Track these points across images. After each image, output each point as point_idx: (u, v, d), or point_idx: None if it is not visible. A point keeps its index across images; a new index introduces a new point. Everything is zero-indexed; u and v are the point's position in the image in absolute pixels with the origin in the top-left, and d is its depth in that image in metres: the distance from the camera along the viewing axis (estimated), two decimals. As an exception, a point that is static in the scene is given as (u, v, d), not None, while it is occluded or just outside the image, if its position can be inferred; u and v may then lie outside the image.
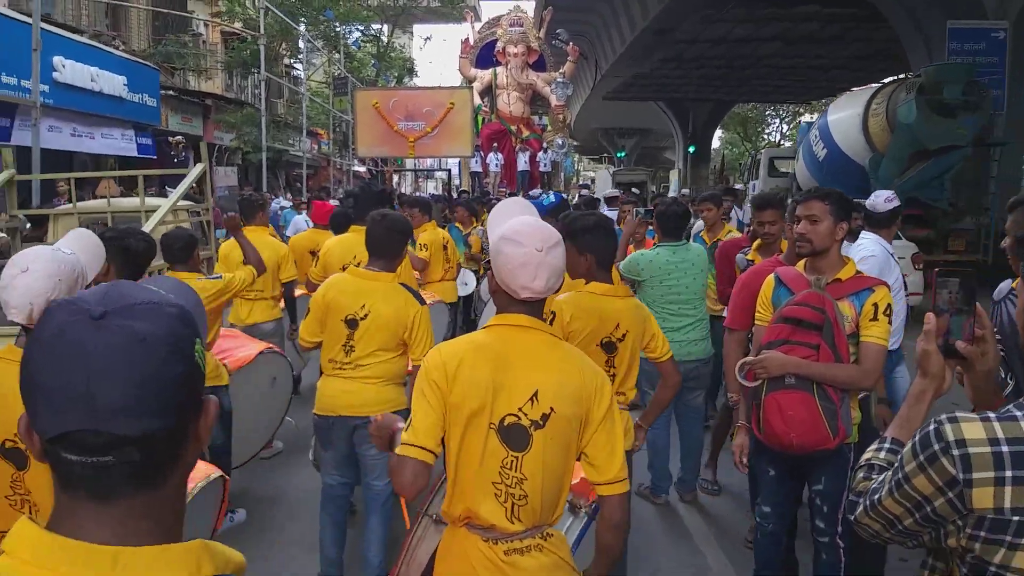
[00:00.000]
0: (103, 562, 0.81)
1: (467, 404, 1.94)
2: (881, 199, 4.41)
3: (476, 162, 21.73)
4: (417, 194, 20.97)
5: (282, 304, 5.76)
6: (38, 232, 6.99)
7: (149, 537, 0.85)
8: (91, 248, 2.59)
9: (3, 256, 6.39)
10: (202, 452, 0.93)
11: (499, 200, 13.04)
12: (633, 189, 21.67)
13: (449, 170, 26.57)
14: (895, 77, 23.12)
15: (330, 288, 3.56)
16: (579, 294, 3.13)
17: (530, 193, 16.98)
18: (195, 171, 6.22)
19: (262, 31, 15.03)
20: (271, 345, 5.07)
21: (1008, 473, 1.28)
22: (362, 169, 31.95)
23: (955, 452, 1.31)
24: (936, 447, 1.33)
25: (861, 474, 1.62)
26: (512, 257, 1.96)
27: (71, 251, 2.23)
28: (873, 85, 18.36)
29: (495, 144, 22.20)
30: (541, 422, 1.94)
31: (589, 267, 3.11)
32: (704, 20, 23.88)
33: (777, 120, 57.81)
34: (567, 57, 23.58)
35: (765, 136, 58.88)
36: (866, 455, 1.67)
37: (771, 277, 3.29)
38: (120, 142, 17.20)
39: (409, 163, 30.22)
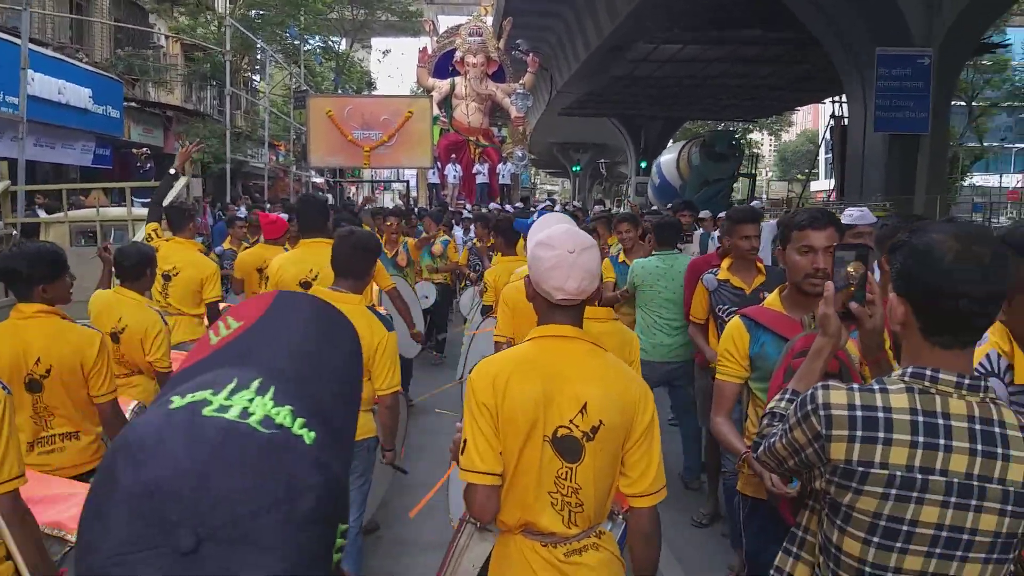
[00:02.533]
0: None
1: (520, 419, 1.96)
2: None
3: (434, 173, 21.51)
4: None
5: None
6: (28, 240, 7.44)
7: None
8: None
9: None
10: None
11: (458, 212, 13.27)
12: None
13: (407, 181, 26.77)
14: (834, 99, 24.50)
15: None
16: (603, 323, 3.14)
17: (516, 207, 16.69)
18: (180, 183, 6.73)
19: (228, 47, 15.48)
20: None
21: (858, 433, 1.54)
22: (320, 180, 32.32)
23: (821, 413, 1.59)
24: (809, 407, 1.62)
25: (766, 421, 1.88)
26: (544, 260, 2.01)
27: None
28: (689, 138, 31.15)
29: (453, 156, 22.09)
30: (591, 434, 1.97)
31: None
32: (653, 40, 24.82)
33: (728, 136, 59.64)
34: (527, 68, 23.53)
35: (716, 151, 60.58)
36: (770, 404, 1.92)
37: (738, 322, 2.77)
38: (79, 153, 17.48)
39: (366, 174, 30.58)
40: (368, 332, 3.31)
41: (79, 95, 16.18)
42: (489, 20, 26.78)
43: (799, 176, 40.84)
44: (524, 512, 2.01)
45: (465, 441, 2.01)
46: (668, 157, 28.83)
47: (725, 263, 4.32)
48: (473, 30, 23.04)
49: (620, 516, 2.33)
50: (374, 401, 3.44)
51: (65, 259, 3.11)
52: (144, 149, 16.13)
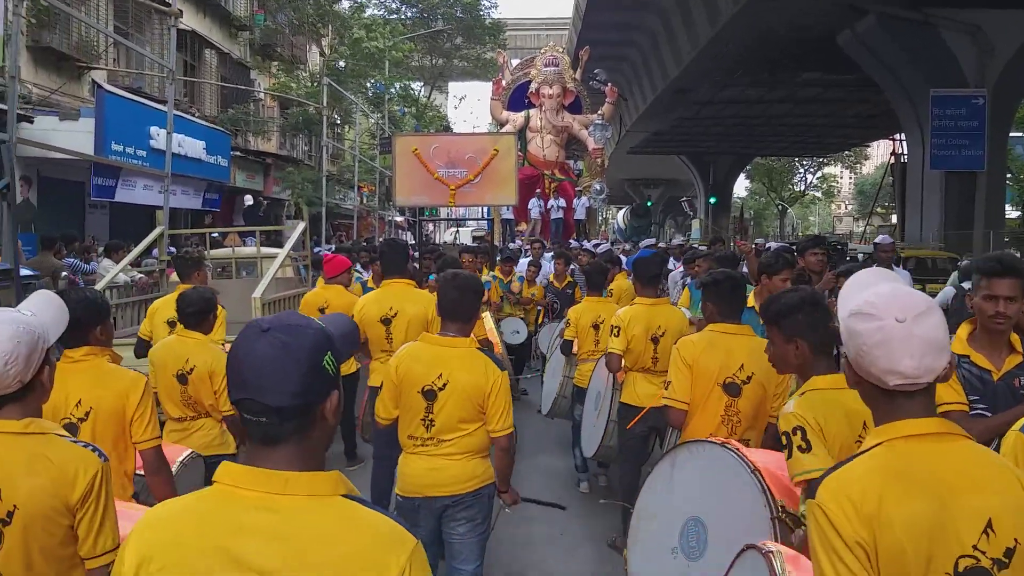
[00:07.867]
0: (278, 481, 1.31)
1: (910, 555, 1.50)
2: None
3: (508, 209, 20.44)
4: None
5: None
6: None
7: (304, 468, 1.34)
8: (55, 310, 2.50)
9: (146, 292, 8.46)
10: (333, 428, 1.44)
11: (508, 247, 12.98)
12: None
13: (491, 219, 26.26)
14: (894, 137, 25.03)
15: (403, 359, 3.39)
16: (825, 392, 2.52)
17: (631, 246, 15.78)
18: (300, 227, 8.23)
19: (323, 103, 17.28)
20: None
21: None
22: (400, 219, 34.18)
23: None
24: None
25: None
26: (865, 335, 1.60)
27: (32, 313, 2.23)
28: (625, 205, 60.36)
29: (537, 191, 21.21)
30: (1005, 559, 1.52)
31: (803, 356, 2.65)
32: (716, 84, 25.88)
33: (802, 170, 59.45)
34: (604, 99, 22.11)
35: (791, 186, 60.31)
36: None
37: None
38: (192, 198, 19.63)
39: (443, 212, 31.99)
40: (483, 375, 3.29)
41: (195, 147, 18.28)
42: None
43: (879, 209, 40.83)
44: None
45: None
46: (620, 215, 60.18)
47: (963, 331, 2.98)
48: (549, 60, 21.60)
49: None
50: (489, 444, 3.42)
51: (108, 303, 3.27)
52: (248, 197, 18.02)
